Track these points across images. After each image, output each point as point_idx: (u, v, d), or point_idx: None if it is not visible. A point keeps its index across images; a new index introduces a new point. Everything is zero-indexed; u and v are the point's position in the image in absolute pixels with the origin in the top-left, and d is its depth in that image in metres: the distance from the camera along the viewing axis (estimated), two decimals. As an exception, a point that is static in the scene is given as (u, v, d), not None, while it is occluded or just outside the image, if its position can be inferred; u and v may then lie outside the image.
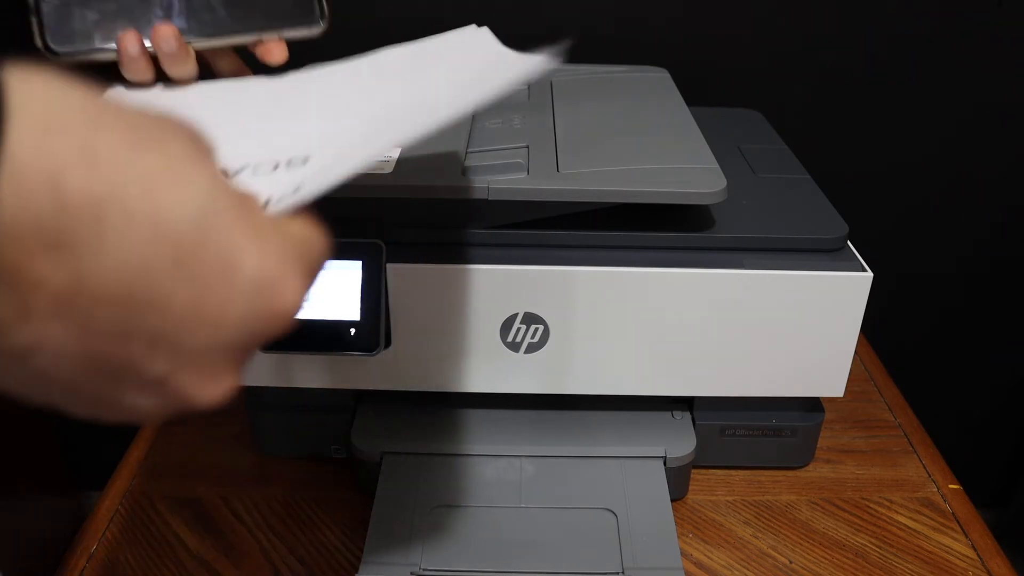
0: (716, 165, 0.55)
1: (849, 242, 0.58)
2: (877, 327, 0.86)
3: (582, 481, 0.60)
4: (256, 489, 0.65)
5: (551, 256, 0.56)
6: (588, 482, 0.60)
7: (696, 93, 0.74)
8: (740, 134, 0.74)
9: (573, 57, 0.81)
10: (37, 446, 1.19)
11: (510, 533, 0.57)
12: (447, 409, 0.65)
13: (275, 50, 0.49)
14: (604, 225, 0.56)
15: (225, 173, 0.34)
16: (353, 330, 0.54)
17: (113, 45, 0.46)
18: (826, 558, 0.60)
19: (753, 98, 0.90)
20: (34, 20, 0.46)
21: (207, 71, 0.50)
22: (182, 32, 0.47)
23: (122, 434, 0.75)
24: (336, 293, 0.53)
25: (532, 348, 0.58)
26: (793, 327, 0.57)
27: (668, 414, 0.64)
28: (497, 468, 0.61)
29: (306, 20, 0.49)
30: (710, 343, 0.58)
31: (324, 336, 0.54)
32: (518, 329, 0.57)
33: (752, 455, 0.66)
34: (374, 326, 0.54)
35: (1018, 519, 1.29)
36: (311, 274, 0.27)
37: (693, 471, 0.65)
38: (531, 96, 0.70)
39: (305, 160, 0.35)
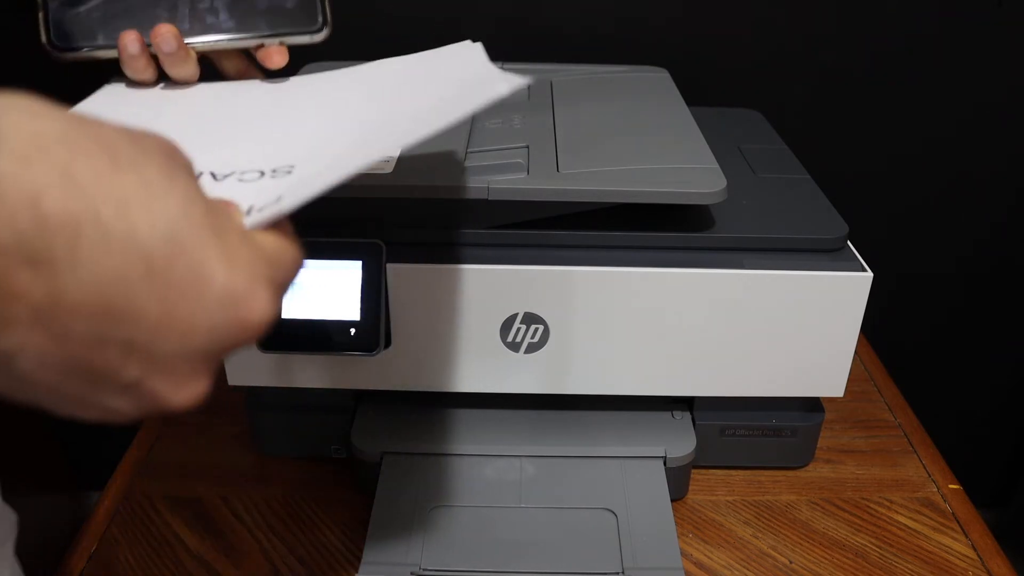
0: (716, 165, 0.55)
1: (849, 242, 0.58)
2: (877, 327, 0.86)
3: (582, 481, 0.60)
4: (256, 489, 0.65)
5: (551, 256, 0.56)
6: (588, 482, 0.60)
7: (696, 93, 0.74)
8: (740, 134, 0.74)
9: (573, 57, 0.81)
10: (37, 446, 1.19)
11: (510, 533, 0.57)
12: (447, 409, 0.65)
13: (275, 55, 0.49)
14: (604, 225, 0.56)
15: (213, 175, 0.35)
16: (353, 330, 0.54)
17: (114, 44, 0.47)
18: (826, 558, 0.60)
19: (753, 98, 0.90)
20: (40, 17, 0.47)
21: (213, 71, 0.50)
22: (184, 33, 0.47)
23: (122, 434, 0.75)
24: (336, 293, 0.53)
25: (532, 348, 0.58)
26: (793, 327, 0.57)
27: (668, 414, 0.64)
28: (497, 468, 0.61)
29: (308, 27, 0.50)
30: (710, 343, 0.58)
31: (324, 336, 0.54)
32: (518, 329, 0.57)
33: (752, 455, 0.66)
34: (374, 326, 0.54)
35: (1018, 519, 1.29)
36: (281, 287, 0.29)
37: (693, 471, 0.65)
38: (531, 96, 0.70)
39: (290, 170, 0.36)
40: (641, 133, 0.61)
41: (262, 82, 0.50)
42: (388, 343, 0.57)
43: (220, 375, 0.59)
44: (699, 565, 0.60)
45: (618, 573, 0.54)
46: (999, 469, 1.32)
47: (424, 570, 0.54)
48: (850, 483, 0.67)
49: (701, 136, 0.60)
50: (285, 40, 0.49)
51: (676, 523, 0.58)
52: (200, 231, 0.25)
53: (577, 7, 0.93)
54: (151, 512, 0.63)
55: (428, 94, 0.42)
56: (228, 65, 0.51)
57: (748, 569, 0.59)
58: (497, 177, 0.55)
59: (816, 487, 0.66)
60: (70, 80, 0.43)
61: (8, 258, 0.21)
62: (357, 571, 0.54)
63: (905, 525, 0.63)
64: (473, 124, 0.63)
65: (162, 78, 0.49)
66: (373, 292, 0.54)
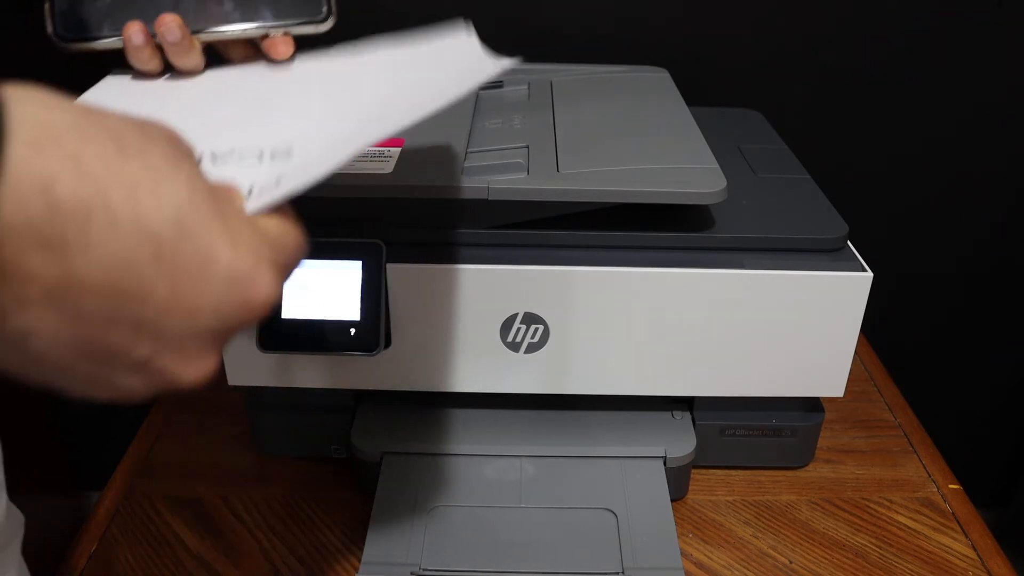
0: (716, 165, 0.55)
1: (849, 242, 0.58)
2: (877, 327, 0.86)
3: (582, 481, 0.60)
4: (256, 489, 0.65)
5: (551, 256, 0.56)
6: (588, 482, 0.60)
7: (696, 93, 0.74)
8: (740, 134, 0.74)
9: (573, 57, 0.81)
10: (37, 446, 1.19)
11: (510, 533, 0.57)
12: (447, 409, 0.65)
13: (281, 45, 0.49)
14: (604, 225, 0.56)
15: (213, 156, 0.36)
16: (353, 330, 0.54)
17: (120, 34, 0.47)
18: (826, 558, 0.60)
19: (753, 98, 0.90)
20: (47, 8, 0.47)
21: (220, 61, 0.51)
22: (188, 23, 0.47)
23: (122, 434, 0.75)
24: (336, 293, 0.53)
25: (532, 348, 0.58)
26: (793, 327, 0.57)
27: (668, 414, 0.64)
28: (497, 468, 0.61)
29: (313, 16, 0.50)
30: (710, 343, 0.58)
31: (324, 336, 0.54)
32: (518, 329, 0.57)
33: (752, 455, 0.66)
34: (374, 326, 0.54)
35: (1018, 519, 1.29)
36: (285, 269, 0.30)
37: (693, 471, 0.65)
38: (531, 96, 0.70)
39: (288, 152, 0.36)
40: (641, 133, 0.61)
41: (265, 65, 0.50)
42: (388, 343, 0.57)
43: (220, 375, 0.59)
44: (699, 565, 0.60)
45: (618, 573, 0.54)
46: (999, 469, 1.32)
47: (424, 570, 0.54)
48: (850, 483, 0.67)
49: (701, 136, 0.60)
50: (290, 30, 0.49)
51: (676, 523, 0.58)
52: (205, 215, 0.26)
53: (577, 7, 0.93)
54: (151, 512, 0.63)
55: (422, 74, 0.42)
56: (234, 55, 0.51)
57: (748, 569, 0.59)
58: (497, 177, 0.55)
59: (816, 487, 0.66)
60: (71, 75, 0.43)
61: (22, 241, 0.22)
62: (357, 571, 0.54)
63: (905, 525, 0.63)
64: (473, 124, 0.63)
65: (168, 68, 0.49)
66: (373, 292, 0.54)
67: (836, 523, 0.63)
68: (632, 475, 0.61)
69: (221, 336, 0.28)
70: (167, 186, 0.25)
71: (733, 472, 0.67)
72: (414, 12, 0.91)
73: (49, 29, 0.48)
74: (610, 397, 0.62)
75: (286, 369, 0.60)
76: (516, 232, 0.56)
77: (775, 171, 0.66)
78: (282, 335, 0.54)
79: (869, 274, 0.56)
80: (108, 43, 0.48)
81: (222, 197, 0.28)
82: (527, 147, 0.59)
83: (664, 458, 0.61)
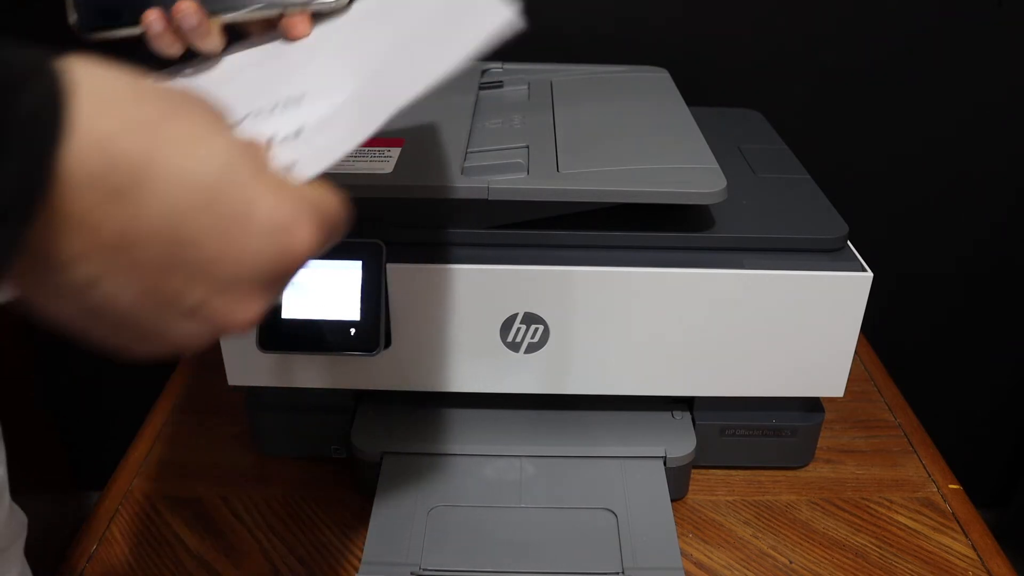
0: (716, 165, 0.55)
1: (849, 242, 0.58)
2: (877, 327, 0.86)
3: (582, 481, 0.60)
4: (256, 489, 0.65)
5: (551, 256, 0.56)
6: (588, 482, 0.60)
7: (696, 93, 0.74)
8: (740, 134, 0.74)
9: (573, 57, 0.81)
10: (37, 446, 1.19)
11: (510, 533, 0.57)
12: (447, 409, 0.65)
13: (299, 24, 0.49)
14: (604, 225, 0.56)
15: (238, 123, 0.38)
16: (353, 330, 0.54)
17: (139, 23, 0.48)
18: (826, 558, 0.60)
19: (753, 98, 0.90)
20: (68, 0, 0.48)
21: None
22: (206, 5, 0.48)
23: (122, 434, 0.75)
24: (336, 293, 0.53)
25: (532, 348, 0.58)
26: (793, 327, 0.57)
27: (668, 414, 0.64)
28: (497, 468, 0.61)
29: None
30: (710, 343, 0.58)
31: (324, 336, 0.54)
32: (518, 329, 0.57)
33: (752, 455, 0.66)
34: (374, 326, 0.54)
35: (1018, 519, 1.29)
36: (325, 225, 0.31)
37: (693, 471, 0.65)
38: (531, 96, 0.70)
39: (300, 99, 0.37)
40: (641, 133, 0.61)
41: (281, 41, 0.50)
42: (388, 343, 0.57)
43: (220, 375, 0.59)
44: (699, 565, 0.60)
45: (618, 573, 0.54)
46: (999, 469, 1.32)
47: (424, 570, 0.54)
48: (850, 483, 0.67)
49: (701, 136, 0.60)
50: (308, 7, 0.49)
51: (676, 523, 0.58)
52: (247, 168, 0.28)
53: (577, 7, 0.93)
54: (151, 512, 0.63)
55: (431, 26, 0.42)
56: (252, 31, 0.52)
57: (748, 569, 0.59)
58: (497, 177, 0.55)
59: (816, 487, 0.66)
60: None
61: (87, 194, 0.25)
62: (357, 571, 0.54)
63: (905, 525, 0.63)
64: (473, 124, 0.63)
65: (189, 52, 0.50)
66: (373, 292, 0.54)
67: (836, 523, 0.63)
68: (632, 475, 0.61)
69: (267, 283, 0.29)
70: (211, 142, 0.28)
71: (733, 472, 0.67)
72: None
73: (71, 20, 0.49)
74: (610, 397, 0.62)
75: (286, 369, 0.60)
76: (516, 232, 0.56)
77: (775, 171, 0.66)
78: (282, 335, 0.54)
79: (869, 274, 0.56)
80: (128, 31, 0.49)
81: (256, 153, 0.30)
82: (527, 147, 0.59)
83: (664, 458, 0.61)
